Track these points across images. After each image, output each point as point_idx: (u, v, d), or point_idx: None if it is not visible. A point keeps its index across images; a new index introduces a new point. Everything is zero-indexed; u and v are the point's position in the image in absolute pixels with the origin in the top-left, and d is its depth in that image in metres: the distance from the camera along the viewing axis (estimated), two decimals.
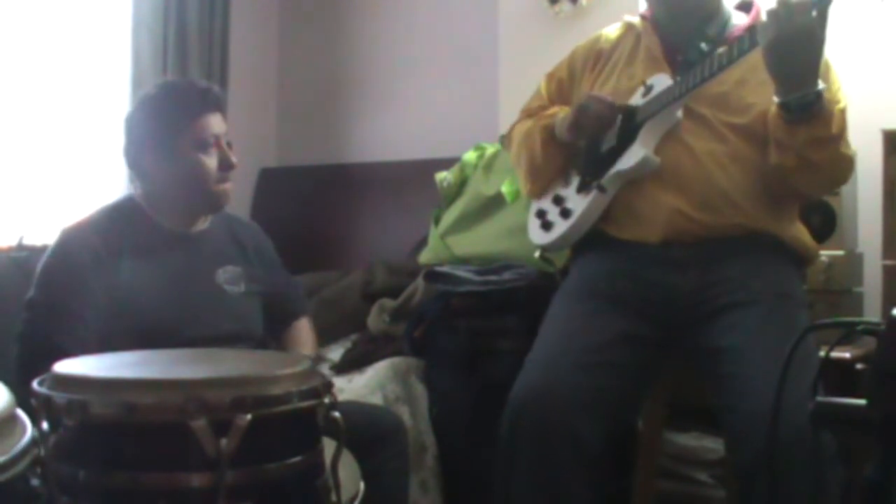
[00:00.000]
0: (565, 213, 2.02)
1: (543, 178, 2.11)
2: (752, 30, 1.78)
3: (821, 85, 1.74)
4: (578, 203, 2.00)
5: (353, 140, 3.71)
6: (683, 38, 1.96)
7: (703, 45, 1.84)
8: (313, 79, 3.85)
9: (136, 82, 3.12)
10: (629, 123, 1.95)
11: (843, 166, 1.88)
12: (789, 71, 1.73)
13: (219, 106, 1.94)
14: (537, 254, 2.13)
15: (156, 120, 1.90)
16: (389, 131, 3.58)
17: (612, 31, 2.15)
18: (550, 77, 2.21)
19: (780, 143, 1.81)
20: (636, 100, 1.97)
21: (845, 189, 2.36)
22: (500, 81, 3.28)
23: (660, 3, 2.04)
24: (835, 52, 2.20)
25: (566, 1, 3.13)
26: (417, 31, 3.57)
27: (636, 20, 2.10)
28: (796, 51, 1.69)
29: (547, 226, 2.07)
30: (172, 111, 1.89)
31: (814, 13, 1.67)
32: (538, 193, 2.12)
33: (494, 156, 2.83)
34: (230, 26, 3.42)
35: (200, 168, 1.90)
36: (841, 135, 1.80)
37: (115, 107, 3.12)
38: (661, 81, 1.93)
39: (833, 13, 1.68)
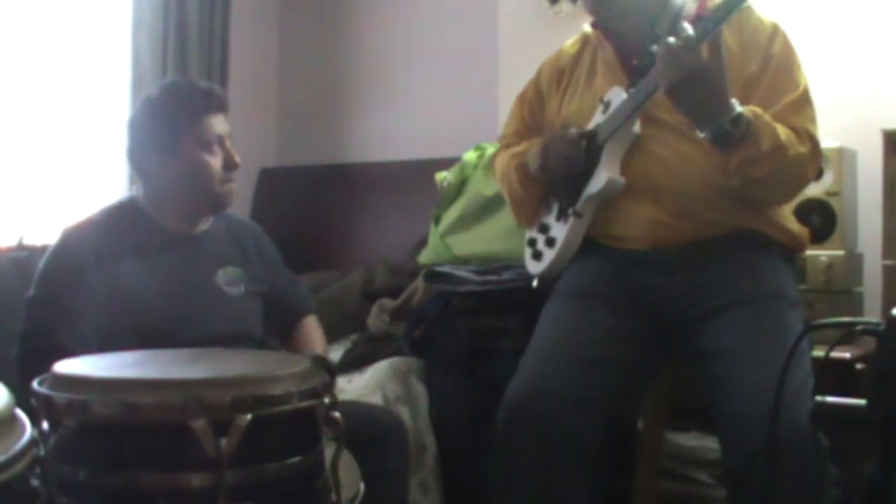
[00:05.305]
0: (550, 242, 2.05)
1: (528, 210, 2.13)
2: (697, 24, 1.70)
3: (737, 108, 1.70)
4: (560, 231, 2.02)
5: (353, 140, 3.71)
6: (635, 39, 1.92)
7: (655, 48, 1.77)
8: (313, 79, 3.85)
9: (136, 82, 3.12)
10: (592, 145, 1.94)
11: (796, 169, 1.80)
12: (696, 108, 1.72)
13: (221, 107, 1.95)
14: (535, 283, 2.13)
15: (159, 120, 1.91)
16: (389, 131, 3.58)
17: (571, 44, 2.13)
18: (522, 99, 2.21)
19: (721, 167, 1.79)
20: (597, 118, 1.96)
21: (845, 189, 2.36)
22: (500, 81, 3.28)
23: (596, 6, 1.96)
24: (835, 52, 2.20)
25: (566, 1, 3.13)
26: (417, 31, 3.57)
27: (591, 30, 2.07)
28: (694, 89, 1.68)
29: (537, 255, 2.09)
30: (175, 111, 1.90)
31: (700, 48, 1.66)
32: (527, 223, 2.15)
33: (494, 156, 2.82)
34: (230, 26, 3.42)
35: (204, 167, 1.90)
36: (776, 148, 1.73)
37: (115, 107, 3.12)
38: (617, 96, 1.92)
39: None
